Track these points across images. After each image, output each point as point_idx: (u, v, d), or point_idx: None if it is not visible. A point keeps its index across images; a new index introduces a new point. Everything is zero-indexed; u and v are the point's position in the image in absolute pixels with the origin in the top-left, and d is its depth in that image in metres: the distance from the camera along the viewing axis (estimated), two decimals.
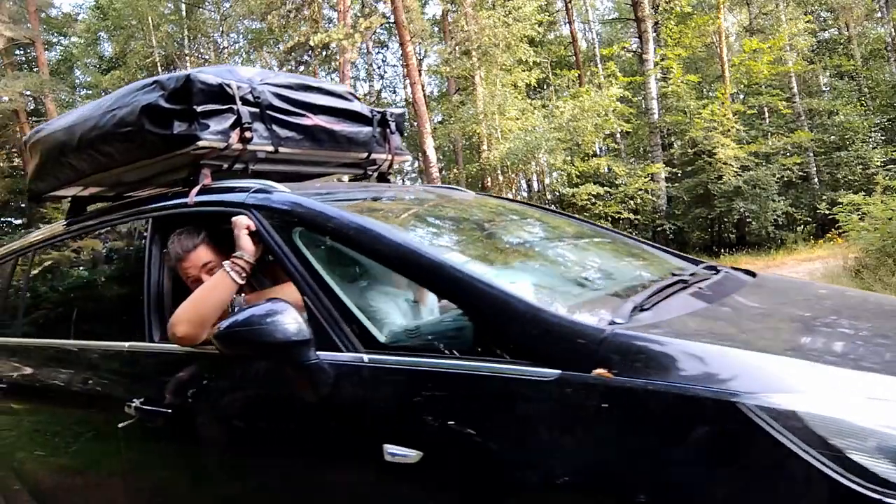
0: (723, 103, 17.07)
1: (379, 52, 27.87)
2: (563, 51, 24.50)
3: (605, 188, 17.13)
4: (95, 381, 2.22)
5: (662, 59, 18.03)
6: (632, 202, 17.18)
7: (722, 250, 17.17)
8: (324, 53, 19.56)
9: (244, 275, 1.86)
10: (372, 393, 1.53)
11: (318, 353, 1.58)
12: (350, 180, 3.00)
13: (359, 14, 18.57)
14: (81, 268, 2.76)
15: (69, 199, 2.65)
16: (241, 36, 26.18)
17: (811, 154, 18.08)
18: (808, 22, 19.23)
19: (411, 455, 1.41)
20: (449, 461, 1.40)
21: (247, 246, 1.85)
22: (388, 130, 2.65)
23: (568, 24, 24.12)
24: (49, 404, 2.45)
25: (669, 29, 18.43)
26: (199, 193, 2.05)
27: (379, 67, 28.41)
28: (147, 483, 2.09)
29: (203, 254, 2.04)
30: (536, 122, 16.45)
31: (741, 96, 19.40)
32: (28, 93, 21.62)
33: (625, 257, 2.45)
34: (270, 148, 2.24)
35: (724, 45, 17.96)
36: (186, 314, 1.83)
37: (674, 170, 18.33)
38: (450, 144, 22.13)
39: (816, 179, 18.14)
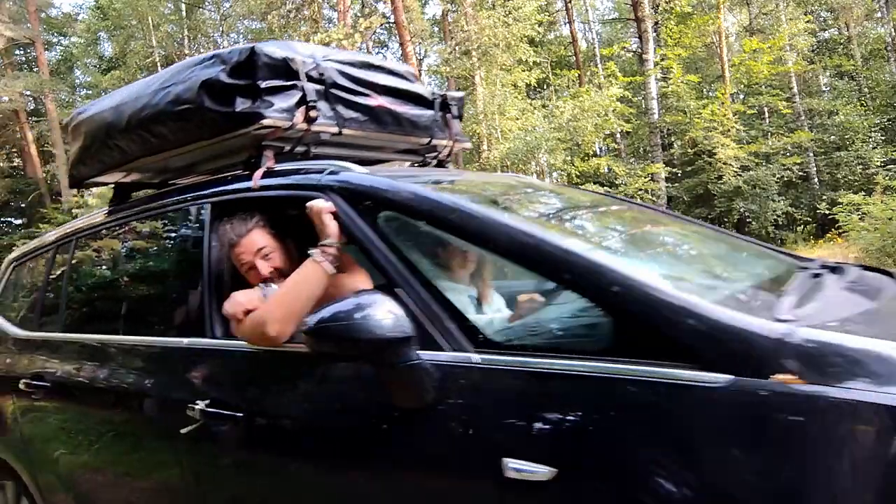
0: (723, 103, 17.04)
1: (379, 52, 27.88)
2: (563, 51, 24.53)
3: (606, 188, 17.12)
4: (149, 382, 2.02)
5: (662, 59, 18.00)
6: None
7: None
8: None
9: (336, 263, 1.66)
10: (486, 399, 1.33)
11: (419, 352, 1.39)
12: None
13: (359, 14, 18.56)
14: (126, 260, 2.56)
15: (111, 185, 2.48)
16: (241, 36, 26.17)
17: (811, 154, 18.06)
18: (808, 22, 19.22)
19: (541, 471, 1.21)
20: (590, 479, 1.20)
21: (334, 231, 1.64)
22: (449, 115, 2.47)
23: (568, 24, 24.14)
24: (97, 406, 2.25)
25: (669, 29, 18.40)
26: (262, 177, 1.88)
27: None
28: (215, 496, 1.84)
29: (258, 238, 1.87)
30: (536, 122, 16.43)
31: (741, 96, 19.39)
32: (28, 93, 21.66)
33: (741, 251, 2.19)
34: (335, 129, 2.05)
35: (724, 45, 17.94)
36: (279, 312, 1.62)
37: (674, 170, 18.30)
38: None
39: (816, 179, 18.12)
